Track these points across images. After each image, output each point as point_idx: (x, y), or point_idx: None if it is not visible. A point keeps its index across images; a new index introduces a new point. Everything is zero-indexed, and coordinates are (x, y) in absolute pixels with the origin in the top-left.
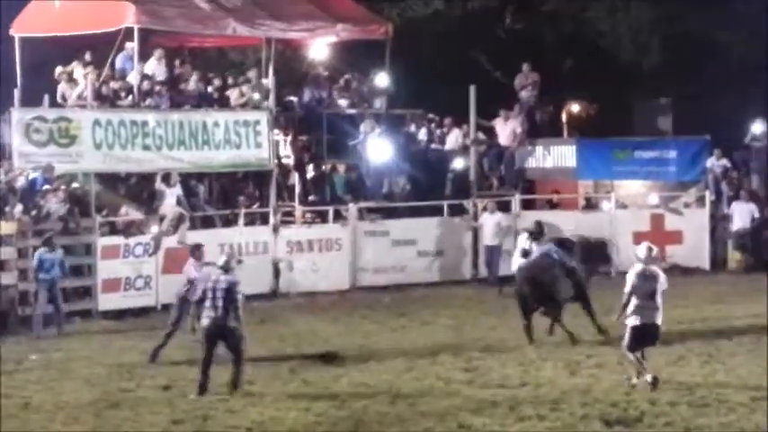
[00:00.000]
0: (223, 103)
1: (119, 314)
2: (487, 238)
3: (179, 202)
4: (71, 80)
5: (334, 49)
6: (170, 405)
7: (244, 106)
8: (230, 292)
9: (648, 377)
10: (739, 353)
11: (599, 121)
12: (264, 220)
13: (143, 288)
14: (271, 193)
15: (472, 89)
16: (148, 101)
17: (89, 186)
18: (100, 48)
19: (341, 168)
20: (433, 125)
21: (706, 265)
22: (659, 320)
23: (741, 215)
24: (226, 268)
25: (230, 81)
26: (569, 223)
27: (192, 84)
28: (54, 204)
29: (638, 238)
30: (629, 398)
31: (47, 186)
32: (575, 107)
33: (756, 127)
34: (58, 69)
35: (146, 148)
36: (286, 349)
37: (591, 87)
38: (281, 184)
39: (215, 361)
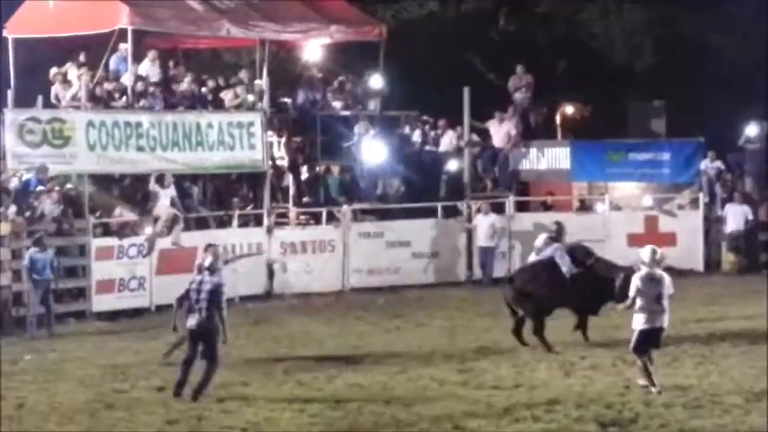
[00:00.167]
0: (217, 104)
1: (113, 315)
2: (481, 240)
3: (173, 204)
4: (65, 81)
5: (328, 50)
6: (164, 406)
7: (238, 108)
8: (215, 294)
9: (654, 389)
10: (733, 354)
11: (593, 122)
12: (258, 221)
13: (137, 289)
14: (265, 195)
15: (466, 91)
16: (142, 102)
17: (83, 187)
18: (94, 49)
19: (335, 170)
20: (427, 127)
21: (700, 266)
22: (666, 324)
23: (735, 217)
24: (212, 269)
25: (223, 82)
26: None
27: (186, 85)
28: (48, 205)
29: (632, 240)
30: (623, 399)
31: (40, 187)
32: (569, 109)
33: (750, 129)
34: (53, 70)
35: (140, 149)
36: (280, 350)
37: (585, 89)
38: (276, 186)
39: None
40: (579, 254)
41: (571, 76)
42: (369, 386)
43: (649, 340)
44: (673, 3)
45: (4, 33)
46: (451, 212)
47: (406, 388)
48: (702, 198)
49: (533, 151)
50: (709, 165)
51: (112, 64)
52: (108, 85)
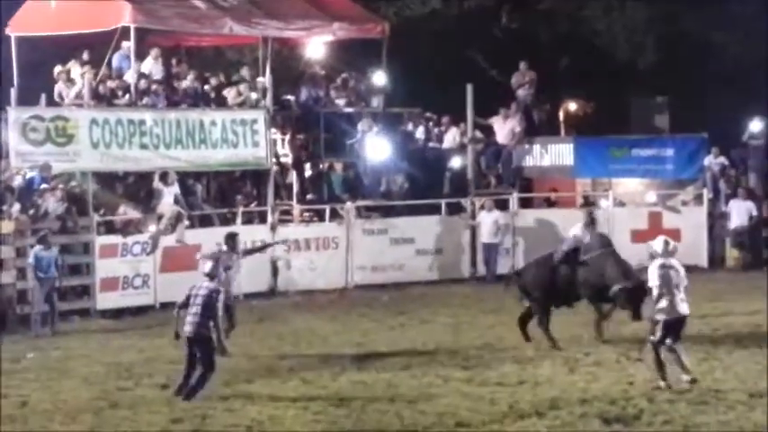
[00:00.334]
0: (220, 102)
1: (117, 313)
2: (485, 237)
3: (177, 201)
4: (69, 80)
5: (331, 47)
6: (169, 404)
7: (241, 105)
8: (209, 299)
9: (662, 383)
10: (737, 350)
11: (596, 119)
12: (262, 218)
13: (141, 287)
14: (268, 192)
15: (469, 88)
16: (145, 100)
17: (87, 185)
18: (97, 47)
19: (338, 167)
20: (430, 124)
21: (704, 262)
22: (687, 311)
23: (739, 213)
24: (210, 275)
25: (224, 80)
26: (567, 221)
27: (189, 83)
28: (52, 203)
29: (636, 236)
30: (627, 396)
31: (44, 185)
32: (572, 105)
33: (755, 125)
34: (57, 68)
35: (143, 147)
36: (284, 348)
37: (587, 86)
38: (280, 183)
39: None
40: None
41: (574, 73)
42: (373, 383)
43: (673, 331)
44: (675, 0)
45: (7, 32)
46: (455, 209)
47: (410, 385)
48: (706, 194)
49: (537, 148)
50: (712, 161)
51: (115, 62)
52: (111, 83)
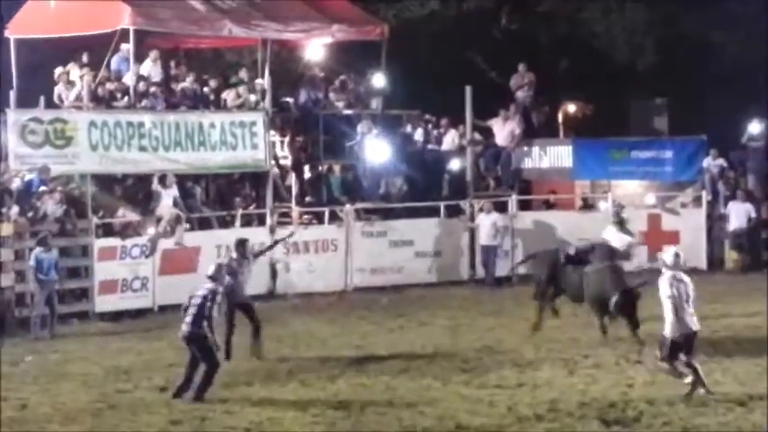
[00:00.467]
0: (219, 104)
1: (116, 316)
2: (484, 239)
3: (175, 204)
4: (69, 82)
5: (330, 49)
6: (167, 406)
7: (240, 107)
8: (204, 299)
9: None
10: (736, 352)
11: (595, 121)
12: (261, 221)
13: (140, 290)
14: (267, 194)
15: (468, 90)
16: (144, 102)
17: (85, 188)
18: (96, 49)
19: (337, 169)
20: (429, 126)
21: (703, 264)
22: (697, 326)
23: (738, 215)
24: (213, 278)
25: (222, 82)
26: (566, 224)
27: (188, 85)
28: (50, 206)
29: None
30: (626, 398)
31: (43, 188)
32: (571, 107)
33: (754, 127)
34: (58, 70)
35: (142, 149)
36: (283, 350)
37: (587, 88)
38: (280, 185)
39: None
40: (598, 252)
41: (573, 75)
42: (372, 386)
43: (684, 346)
44: (674, 2)
45: (6, 34)
46: (454, 211)
47: (409, 388)
48: (705, 196)
49: (536, 150)
50: (711, 162)
51: (114, 64)
52: (110, 86)
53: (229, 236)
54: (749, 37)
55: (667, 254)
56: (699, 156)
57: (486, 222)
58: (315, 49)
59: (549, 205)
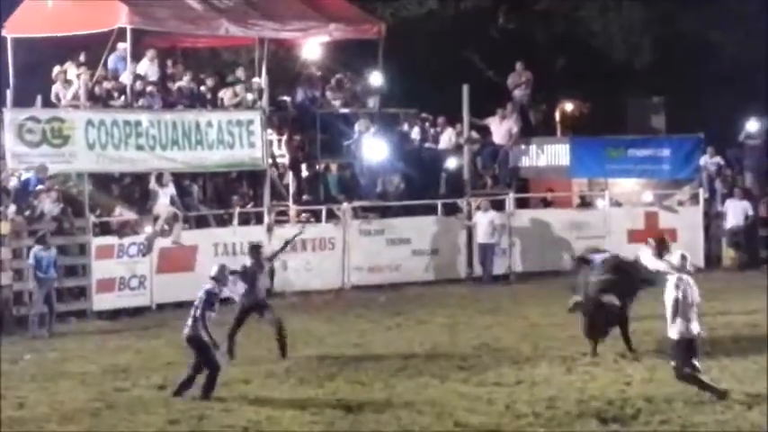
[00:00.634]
0: (216, 103)
1: (113, 314)
2: (481, 237)
3: (173, 202)
4: (66, 81)
5: (327, 48)
6: (165, 405)
7: (237, 106)
8: (200, 301)
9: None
10: (734, 350)
11: (592, 119)
12: (259, 219)
13: (137, 288)
14: (265, 193)
15: (465, 88)
16: (141, 101)
17: (83, 186)
18: (93, 48)
19: (334, 168)
20: (426, 124)
21: (700, 262)
22: (698, 330)
23: (735, 213)
24: (215, 278)
25: (219, 80)
26: (563, 222)
27: (185, 84)
28: (48, 204)
29: (633, 236)
30: (624, 395)
31: (40, 186)
32: (568, 106)
33: (751, 125)
34: (56, 69)
35: (139, 148)
36: None
37: (584, 86)
38: (278, 184)
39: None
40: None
41: (570, 74)
42: (370, 384)
43: (689, 349)
44: (671, 0)
45: (3, 33)
46: (451, 210)
47: (407, 386)
48: (702, 194)
49: (533, 148)
50: (708, 160)
51: (111, 63)
52: (107, 85)
53: (227, 234)
54: (747, 36)
55: (675, 256)
56: (696, 154)
57: (484, 220)
58: (312, 47)
59: (546, 203)
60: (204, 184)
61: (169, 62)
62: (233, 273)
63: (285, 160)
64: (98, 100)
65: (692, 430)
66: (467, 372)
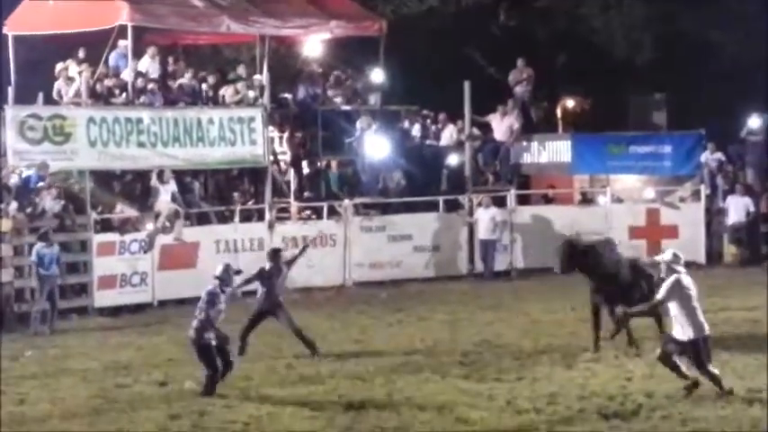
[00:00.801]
0: (217, 100)
1: (115, 311)
2: (483, 233)
3: (174, 199)
4: (68, 78)
5: (329, 45)
6: (167, 401)
7: (238, 103)
8: (204, 302)
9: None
10: (735, 346)
11: (593, 116)
12: (260, 216)
13: (139, 285)
14: (266, 190)
15: (466, 85)
16: (142, 98)
17: (84, 184)
18: (94, 45)
19: (335, 165)
20: (427, 121)
21: (702, 258)
22: (694, 333)
23: (736, 209)
24: (220, 278)
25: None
26: (565, 218)
27: (186, 81)
28: (49, 202)
29: (634, 232)
30: (625, 391)
31: (41, 184)
32: (569, 102)
33: (753, 121)
34: (59, 66)
35: (140, 145)
36: (282, 345)
37: (585, 83)
38: (280, 181)
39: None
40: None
41: (572, 70)
42: (371, 380)
43: (691, 350)
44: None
45: (5, 30)
46: (453, 206)
47: (409, 381)
48: (704, 190)
49: (534, 145)
50: (709, 156)
51: (112, 60)
52: (108, 82)
53: (228, 231)
54: (747, 33)
55: (667, 254)
56: (697, 150)
57: (485, 217)
58: (313, 44)
59: (547, 200)
60: (205, 181)
61: (170, 59)
62: (237, 272)
63: (286, 157)
64: (99, 97)
65: (693, 426)
66: (468, 368)
